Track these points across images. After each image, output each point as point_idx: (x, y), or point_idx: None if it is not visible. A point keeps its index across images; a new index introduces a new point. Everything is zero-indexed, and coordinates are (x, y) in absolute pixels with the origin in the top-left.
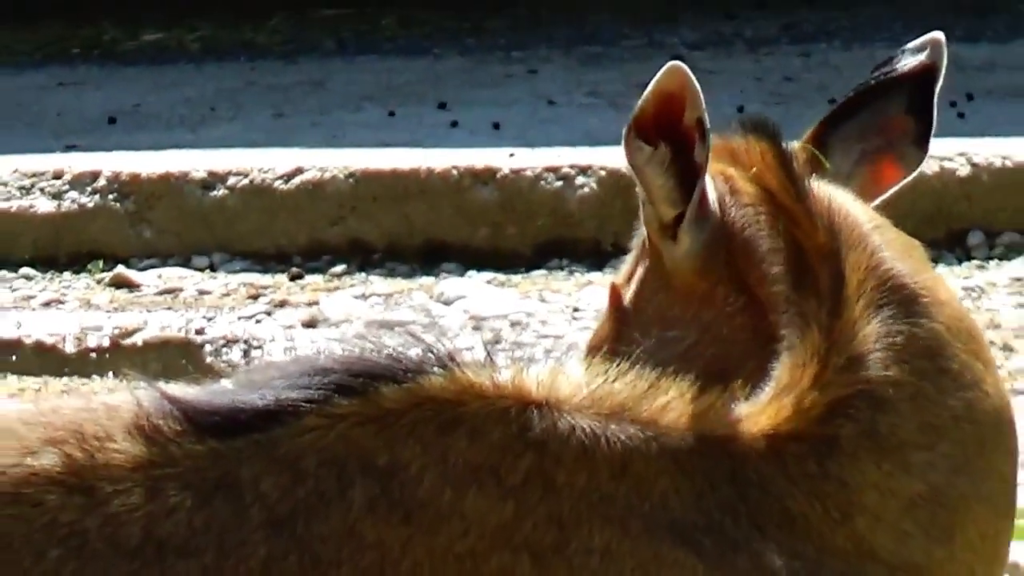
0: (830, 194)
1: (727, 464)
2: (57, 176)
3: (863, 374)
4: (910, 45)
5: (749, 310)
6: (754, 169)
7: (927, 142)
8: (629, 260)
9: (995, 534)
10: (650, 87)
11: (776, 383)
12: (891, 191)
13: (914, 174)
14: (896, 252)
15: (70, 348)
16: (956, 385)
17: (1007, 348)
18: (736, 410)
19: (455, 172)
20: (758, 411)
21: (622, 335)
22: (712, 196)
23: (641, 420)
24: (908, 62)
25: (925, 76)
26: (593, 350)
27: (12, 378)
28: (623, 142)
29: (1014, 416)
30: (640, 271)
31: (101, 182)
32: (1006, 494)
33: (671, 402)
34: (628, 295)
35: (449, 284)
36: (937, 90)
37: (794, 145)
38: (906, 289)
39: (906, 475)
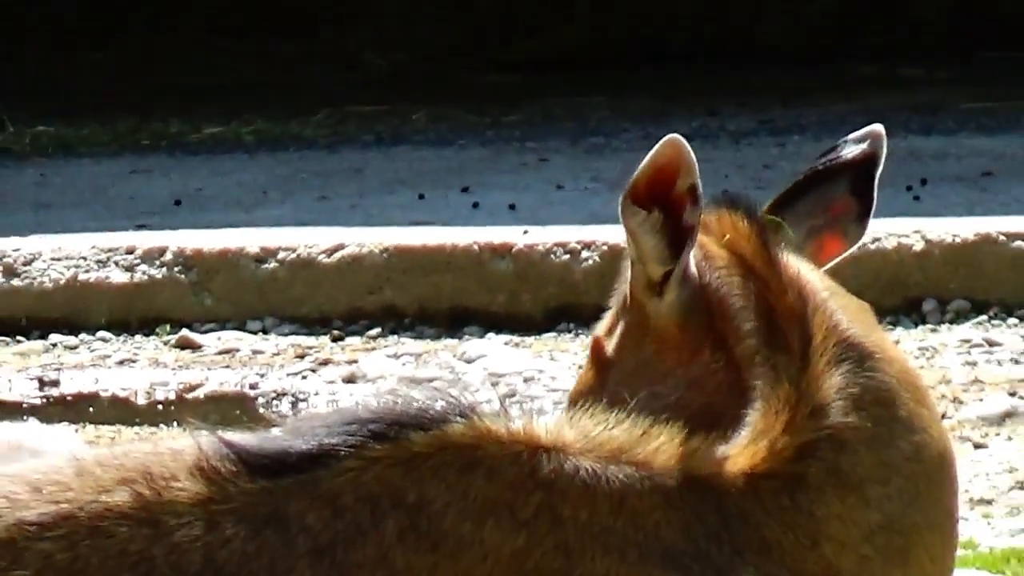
0: (794, 259)
1: (711, 499)
2: (129, 251)
3: (827, 421)
4: (853, 136)
5: (726, 363)
6: (727, 236)
7: (867, 220)
8: (609, 315)
9: (942, 557)
10: (647, 157)
11: (752, 428)
12: (834, 262)
13: (855, 247)
14: (851, 315)
15: (141, 401)
16: (906, 429)
17: (957, 400)
18: (718, 452)
19: (476, 247)
20: (737, 453)
21: (604, 384)
22: (692, 259)
23: (636, 462)
24: (852, 151)
25: (867, 163)
26: (577, 396)
27: (90, 427)
28: (620, 206)
29: (955, 457)
30: (622, 326)
31: (168, 256)
32: (950, 523)
33: (662, 446)
34: (610, 347)
35: (471, 345)
36: (877, 176)
37: (763, 217)
38: (861, 347)
39: (865, 507)
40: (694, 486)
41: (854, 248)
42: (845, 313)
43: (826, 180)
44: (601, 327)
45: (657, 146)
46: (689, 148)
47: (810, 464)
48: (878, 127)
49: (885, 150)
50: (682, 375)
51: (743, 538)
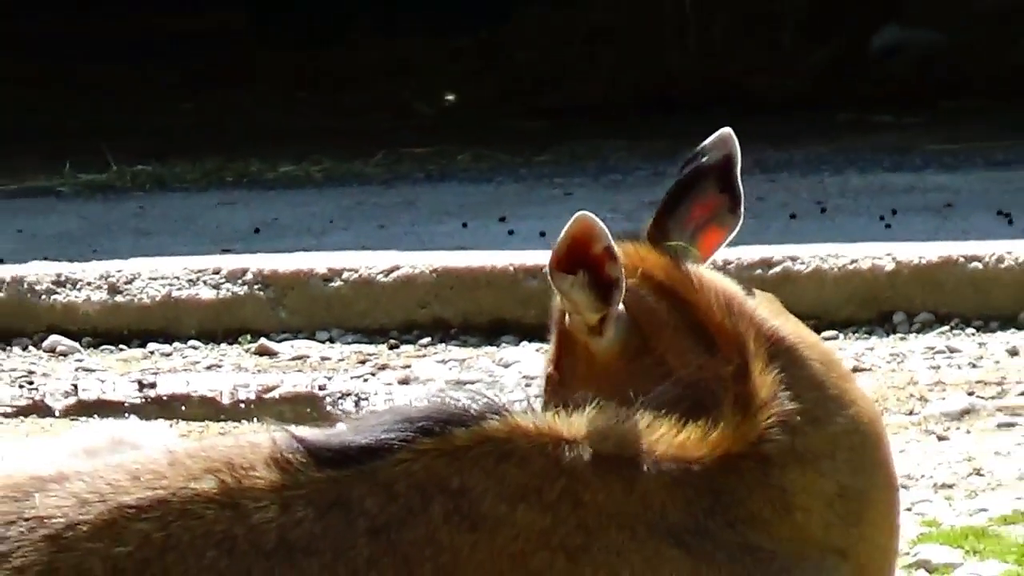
0: (706, 275)
1: (704, 479)
2: (216, 272)
3: (774, 410)
4: (706, 144)
5: (666, 376)
6: (639, 269)
7: (739, 209)
8: (551, 351)
9: (890, 512)
10: (561, 235)
11: (722, 422)
12: (718, 250)
13: (733, 233)
14: (766, 311)
15: (225, 400)
16: (839, 405)
17: (923, 399)
18: (702, 441)
19: (511, 268)
20: (716, 440)
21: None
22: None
23: (642, 451)
24: (712, 156)
25: (727, 164)
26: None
27: (182, 423)
28: (548, 274)
29: (881, 419)
30: (568, 362)
31: (248, 276)
32: (892, 481)
33: (662, 437)
34: (560, 380)
35: (507, 352)
36: (738, 171)
37: (668, 245)
38: (786, 341)
39: (821, 478)
40: (689, 469)
41: (733, 233)
42: (761, 310)
43: (693, 186)
44: (547, 363)
45: (570, 223)
46: (598, 220)
47: (770, 446)
48: (727, 130)
49: (739, 147)
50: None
51: (733, 512)
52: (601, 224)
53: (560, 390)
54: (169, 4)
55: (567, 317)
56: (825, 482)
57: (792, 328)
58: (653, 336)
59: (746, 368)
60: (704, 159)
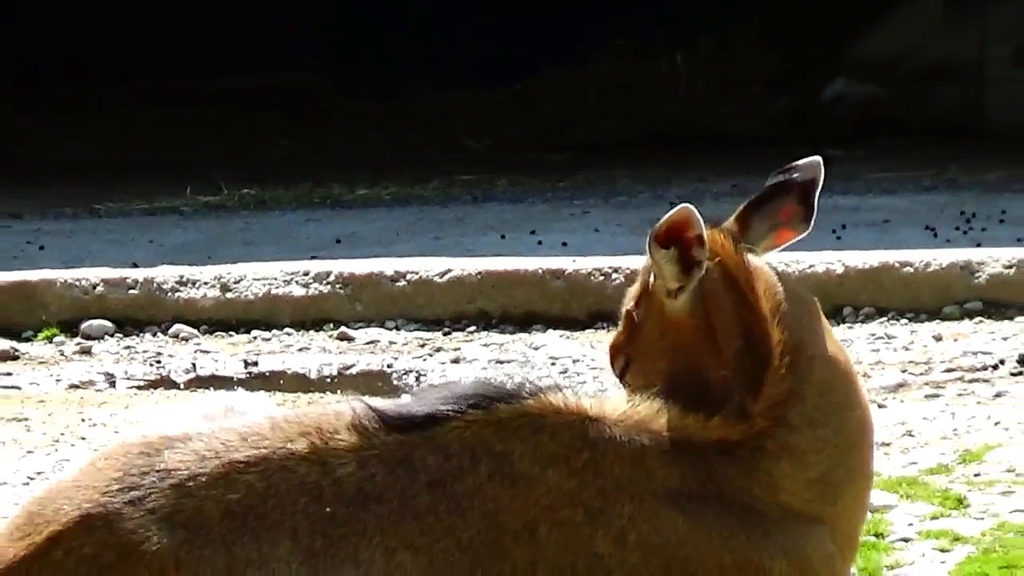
0: (767, 277)
1: (701, 459)
2: (305, 274)
3: (782, 412)
4: (799, 163)
5: (714, 349)
6: (718, 257)
7: (810, 220)
8: (634, 293)
9: (862, 498)
10: (665, 217)
11: (729, 411)
12: (787, 243)
13: (802, 235)
14: (801, 321)
15: (313, 376)
16: (836, 412)
17: (866, 375)
18: (707, 426)
19: (540, 271)
20: (717, 427)
21: (632, 341)
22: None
23: (652, 431)
24: (802, 175)
25: (811, 184)
26: (613, 349)
27: (279, 395)
28: (647, 245)
29: (873, 426)
30: (644, 308)
31: (332, 277)
32: (867, 473)
33: (669, 420)
34: (638, 316)
35: (537, 338)
36: (817, 192)
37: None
38: (807, 351)
39: (806, 468)
40: (691, 449)
41: (802, 235)
42: (797, 320)
43: (781, 193)
44: (629, 301)
45: (675, 210)
46: (696, 211)
47: (768, 441)
48: (818, 158)
49: (823, 174)
50: (683, 350)
51: (725, 486)
52: (698, 215)
53: (633, 325)
54: (271, 64)
55: (652, 277)
56: (809, 472)
57: (818, 339)
58: (712, 314)
59: (764, 374)
60: (796, 175)
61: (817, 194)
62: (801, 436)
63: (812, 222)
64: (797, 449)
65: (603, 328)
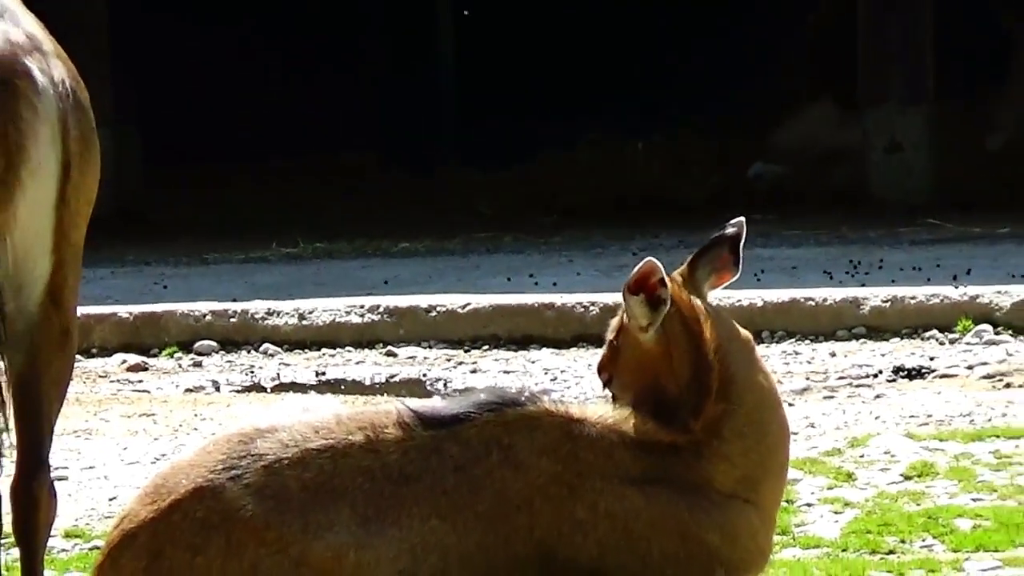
0: (714, 316)
1: (657, 455)
2: (361, 307)
3: (717, 427)
4: (730, 224)
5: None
6: (675, 305)
7: (739, 266)
8: (615, 330)
9: (779, 487)
10: (636, 268)
11: (678, 424)
12: (725, 284)
13: (734, 279)
14: (737, 356)
15: (367, 383)
16: (760, 424)
17: (779, 382)
18: (661, 432)
19: (536, 304)
20: (668, 433)
21: (614, 360)
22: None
23: (620, 431)
24: (731, 231)
25: (736, 236)
26: (600, 366)
27: (342, 397)
28: (622, 294)
29: (789, 435)
30: (622, 338)
31: (381, 309)
32: (783, 469)
33: (634, 424)
34: (618, 343)
35: (534, 354)
36: (742, 244)
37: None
38: (739, 383)
39: (734, 468)
40: (651, 445)
41: (735, 277)
42: (735, 355)
43: (717, 245)
44: (612, 332)
45: (641, 263)
46: (659, 263)
47: (705, 448)
48: (743, 219)
49: (745, 231)
50: (649, 371)
51: (674, 477)
52: (659, 265)
53: (615, 348)
54: (334, 146)
55: (627, 317)
56: (736, 472)
57: (750, 370)
58: (672, 346)
59: (701, 403)
60: (728, 232)
61: (742, 246)
62: (731, 445)
63: (740, 268)
64: (728, 454)
65: (584, 347)
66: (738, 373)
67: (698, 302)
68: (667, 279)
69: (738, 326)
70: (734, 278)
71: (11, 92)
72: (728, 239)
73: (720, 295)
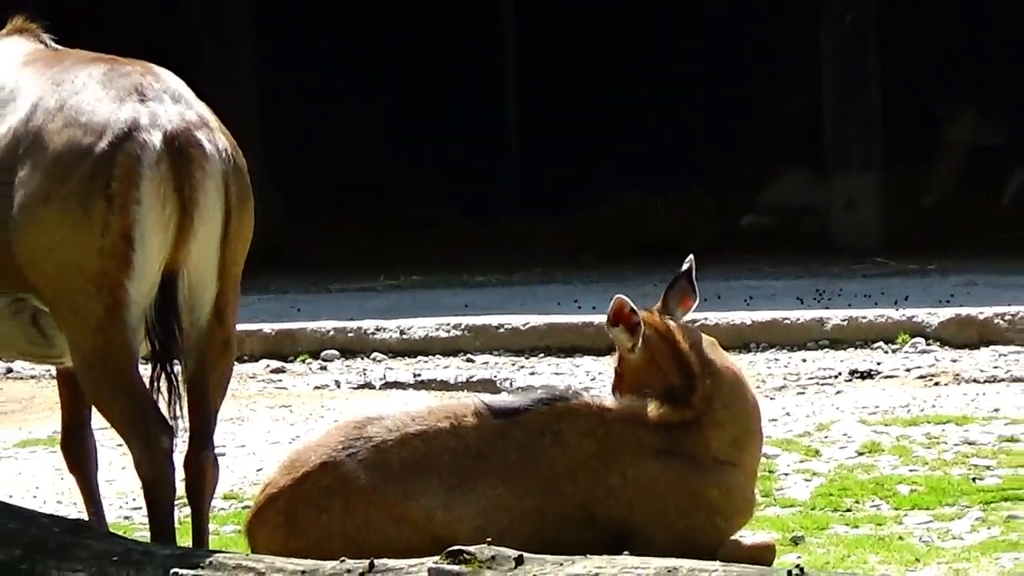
0: (683, 328)
1: (667, 431)
2: (448, 324)
3: (709, 402)
4: (684, 264)
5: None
6: (651, 324)
7: (696, 294)
8: (616, 359)
9: (758, 450)
10: (610, 307)
11: (680, 404)
12: (689, 312)
13: (695, 304)
14: (711, 352)
15: (452, 382)
16: (740, 398)
17: (763, 381)
18: (670, 413)
19: (580, 322)
20: (676, 413)
21: (621, 381)
22: (641, 338)
23: (641, 416)
24: (686, 268)
25: (689, 271)
26: (612, 386)
27: (435, 393)
28: (606, 326)
29: (760, 408)
30: (622, 363)
31: (463, 326)
32: (760, 431)
33: (649, 410)
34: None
35: (578, 360)
36: (694, 275)
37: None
38: (718, 371)
39: (725, 433)
40: (661, 426)
41: (696, 303)
42: (705, 351)
43: (680, 279)
44: (614, 363)
45: (612, 301)
46: (627, 298)
47: (704, 419)
48: (691, 256)
49: (694, 266)
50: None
51: (682, 447)
52: (628, 300)
53: (619, 373)
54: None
55: (618, 345)
56: (726, 435)
57: (721, 359)
58: (655, 354)
59: (694, 383)
60: (683, 269)
61: (694, 276)
62: (721, 413)
63: (697, 293)
64: (720, 421)
65: (610, 355)
66: (712, 360)
67: (668, 320)
68: (635, 308)
69: (702, 334)
70: (695, 302)
71: (187, 158)
72: (685, 274)
73: (718, 316)
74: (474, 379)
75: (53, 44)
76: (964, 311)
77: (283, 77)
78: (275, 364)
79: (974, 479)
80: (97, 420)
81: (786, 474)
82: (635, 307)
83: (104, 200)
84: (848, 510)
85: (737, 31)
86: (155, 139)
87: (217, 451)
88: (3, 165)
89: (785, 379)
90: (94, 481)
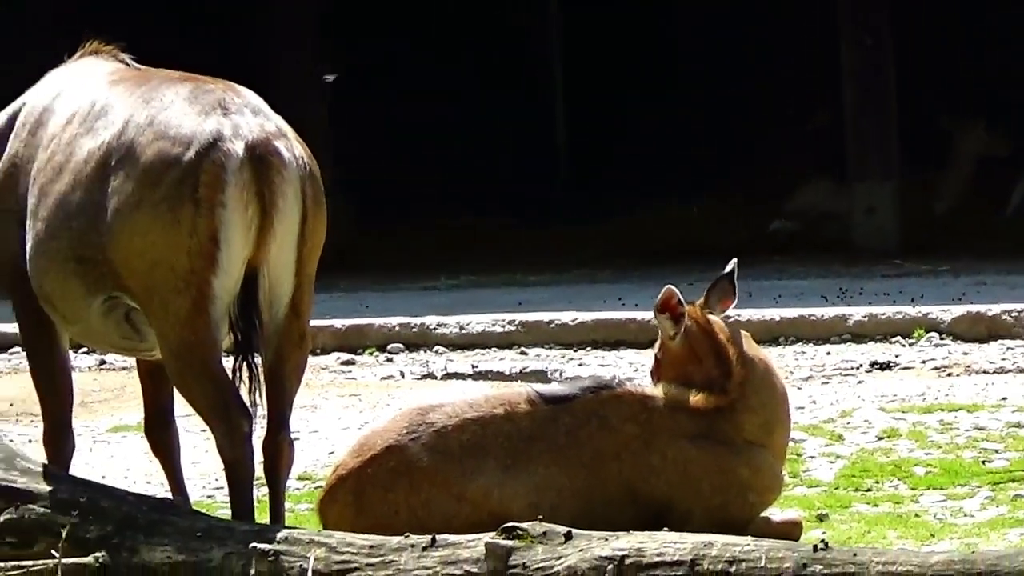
0: (720, 322)
1: (704, 416)
2: (503, 321)
3: (743, 389)
4: (728, 266)
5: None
6: (693, 316)
7: (735, 294)
8: (657, 346)
9: (787, 433)
10: (660, 295)
11: (716, 391)
12: (729, 309)
13: (734, 303)
14: (744, 342)
15: (507, 373)
16: (769, 385)
17: (791, 372)
18: (706, 399)
19: (624, 319)
20: (711, 400)
21: (659, 368)
22: (683, 328)
23: (679, 402)
24: (729, 269)
25: (731, 273)
26: (651, 372)
27: (491, 383)
28: (654, 311)
29: (788, 394)
30: (662, 350)
31: (516, 322)
32: (789, 420)
33: (688, 397)
34: (660, 358)
35: (622, 353)
36: (735, 276)
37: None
38: (750, 360)
39: (756, 417)
40: (698, 411)
41: (735, 301)
42: (739, 342)
43: (723, 280)
44: (655, 349)
45: (663, 290)
46: (676, 288)
47: (738, 404)
48: (735, 261)
49: (736, 268)
50: (681, 365)
51: (715, 429)
52: (676, 290)
53: (658, 360)
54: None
55: (661, 332)
56: (758, 419)
57: (753, 351)
58: (694, 345)
59: (730, 372)
60: (726, 271)
61: (735, 278)
62: (754, 399)
63: (736, 293)
64: (753, 406)
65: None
66: (746, 352)
67: (709, 315)
68: (682, 300)
69: (737, 328)
70: (735, 301)
71: (267, 165)
72: (727, 275)
73: (750, 313)
74: (527, 370)
75: (134, 64)
76: (975, 308)
77: (351, 92)
78: (345, 357)
79: (984, 462)
80: (183, 407)
81: (812, 457)
82: (682, 299)
83: (192, 204)
84: (869, 490)
85: (768, 55)
86: (238, 148)
87: (292, 435)
88: (98, 175)
89: (811, 370)
90: (177, 463)
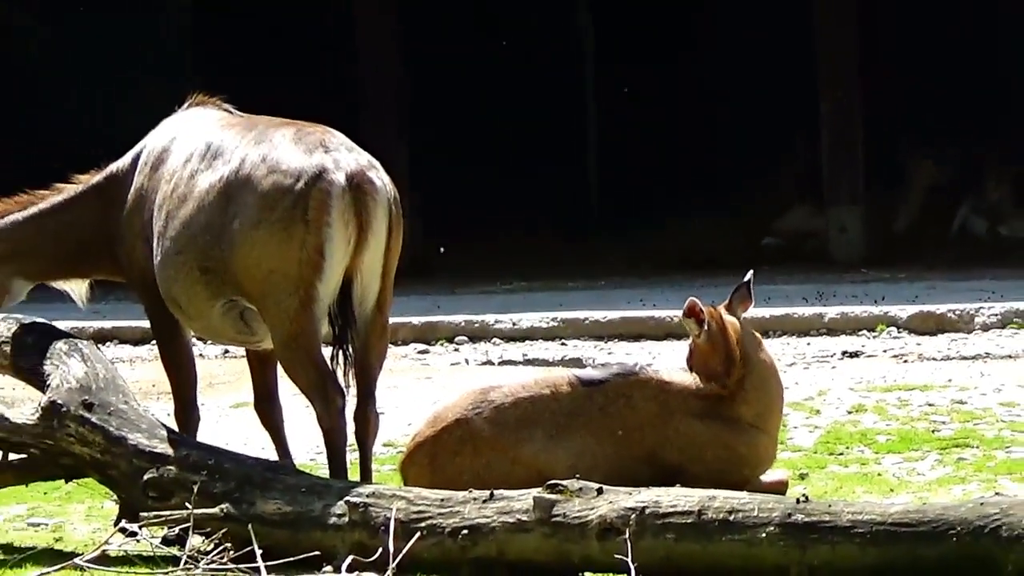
0: (735, 324)
1: (710, 400)
2: (549, 318)
3: (743, 383)
4: (746, 276)
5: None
6: (715, 317)
7: (752, 299)
8: (687, 352)
9: (779, 419)
10: (686, 304)
11: (719, 383)
12: (747, 311)
13: (751, 307)
14: (752, 344)
15: (551, 360)
16: (766, 382)
17: (779, 359)
18: (712, 388)
19: (644, 316)
20: (717, 389)
21: (691, 358)
22: (707, 327)
23: (691, 387)
24: (746, 280)
25: (749, 281)
26: (685, 360)
27: (539, 369)
28: (682, 317)
29: (783, 388)
30: (692, 344)
31: (559, 319)
32: (782, 409)
33: (700, 385)
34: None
35: (644, 345)
36: (752, 287)
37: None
38: (751, 357)
39: (753, 408)
40: (708, 396)
41: (752, 306)
42: (747, 344)
43: (743, 287)
44: (689, 342)
45: (688, 300)
46: (698, 299)
47: (738, 395)
48: (751, 272)
49: (753, 278)
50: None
51: (718, 412)
52: (698, 300)
53: (690, 351)
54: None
55: (689, 332)
56: (754, 409)
57: (758, 351)
58: (714, 341)
59: (730, 370)
60: (744, 280)
61: (752, 286)
62: (750, 394)
63: (754, 298)
64: (749, 400)
65: (671, 341)
66: (750, 354)
67: (729, 318)
68: (703, 307)
69: (752, 330)
70: (752, 304)
71: (363, 192)
72: (746, 283)
73: (752, 312)
74: (567, 358)
75: (236, 112)
76: (926, 308)
77: (425, 123)
78: (420, 347)
79: (933, 431)
80: (289, 388)
81: (795, 428)
82: (703, 307)
83: (303, 224)
84: (840, 454)
85: (757, 106)
86: (340, 178)
87: (378, 410)
88: (219, 202)
89: (794, 358)
90: (282, 432)
